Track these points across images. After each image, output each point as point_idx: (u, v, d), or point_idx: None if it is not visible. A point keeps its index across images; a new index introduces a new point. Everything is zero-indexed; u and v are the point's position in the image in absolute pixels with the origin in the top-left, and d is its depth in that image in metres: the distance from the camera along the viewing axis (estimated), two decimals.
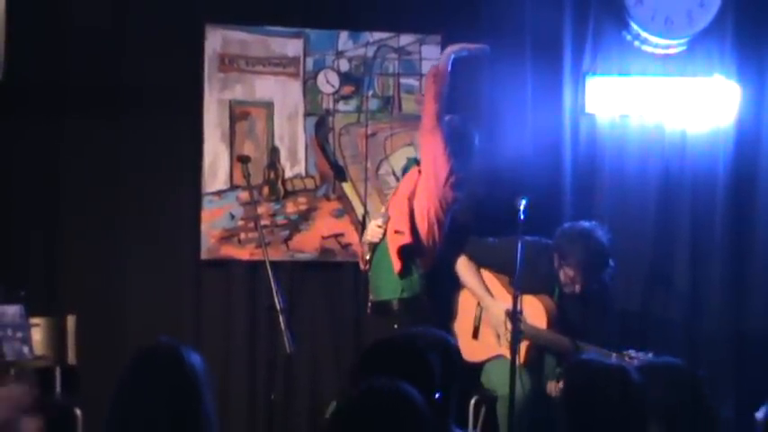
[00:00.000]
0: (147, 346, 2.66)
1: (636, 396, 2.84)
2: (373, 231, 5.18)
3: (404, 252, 5.07)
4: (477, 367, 5.25)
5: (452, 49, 5.20)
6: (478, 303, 5.28)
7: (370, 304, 5.23)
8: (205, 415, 2.57)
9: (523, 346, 5.00)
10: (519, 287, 4.72)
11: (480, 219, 5.58)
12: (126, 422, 2.54)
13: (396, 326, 4.91)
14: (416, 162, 5.28)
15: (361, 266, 5.28)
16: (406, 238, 5.07)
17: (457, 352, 3.29)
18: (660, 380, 3.00)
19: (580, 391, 2.89)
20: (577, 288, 5.10)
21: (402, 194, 5.20)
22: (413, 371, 2.78)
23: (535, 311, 5.08)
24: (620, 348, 4.95)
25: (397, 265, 5.06)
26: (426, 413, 2.30)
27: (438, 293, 5.29)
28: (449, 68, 5.11)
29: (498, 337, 5.17)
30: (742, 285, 5.93)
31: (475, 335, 5.30)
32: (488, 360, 5.22)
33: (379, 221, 5.19)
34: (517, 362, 4.71)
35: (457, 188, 5.12)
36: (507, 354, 4.86)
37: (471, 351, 5.26)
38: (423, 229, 5.09)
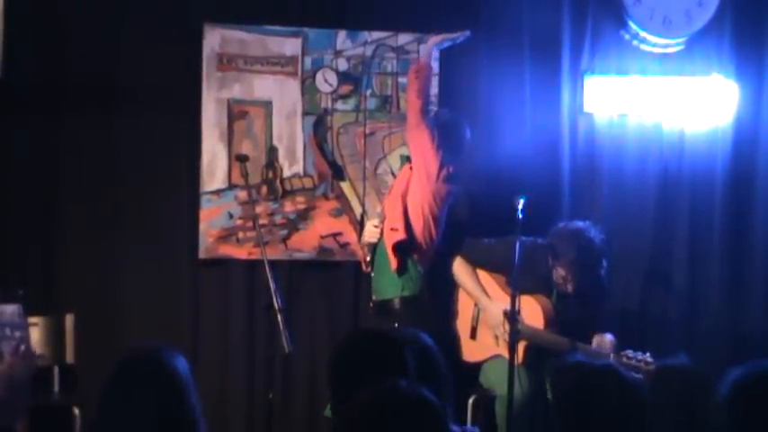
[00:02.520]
0: (130, 354, 2.65)
1: (629, 395, 2.84)
2: (370, 232, 5.18)
3: (399, 249, 5.07)
4: (476, 367, 5.25)
5: (433, 41, 5.19)
6: (475, 304, 5.28)
7: (371, 305, 5.22)
8: (190, 419, 2.56)
9: (521, 346, 4.99)
10: (516, 287, 4.72)
11: (479, 218, 5.58)
12: (112, 430, 2.54)
13: (396, 325, 4.91)
14: (408, 160, 5.26)
15: (363, 268, 5.28)
16: (401, 235, 5.06)
17: (434, 352, 3.27)
18: (672, 382, 3.00)
19: (571, 393, 2.89)
20: (570, 287, 5.12)
21: (396, 192, 5.20)
22: (387, 364, 2.78)
23: (532, 311, 5.08)
24: (618, 349, 4.95)
25: (393, 262, 5.05)
26: (446, 418, 2.29)
27: (439, 291, 5.29)
28: (431, 63, 5.11)
29: (496, 337, 5.17)
30: (740, 284, 5.93)
31: (473, 335, 5.30)
32: (486, 360, 5.22)
33: (376, 221, 5.19)
34: (515, 362, 4.71)
35: (450, 181, 5.11)
36: (505, 353, 4.86)
37: (470, 351, 5.26)
38: (418, 225, 5.08)
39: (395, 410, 2.25)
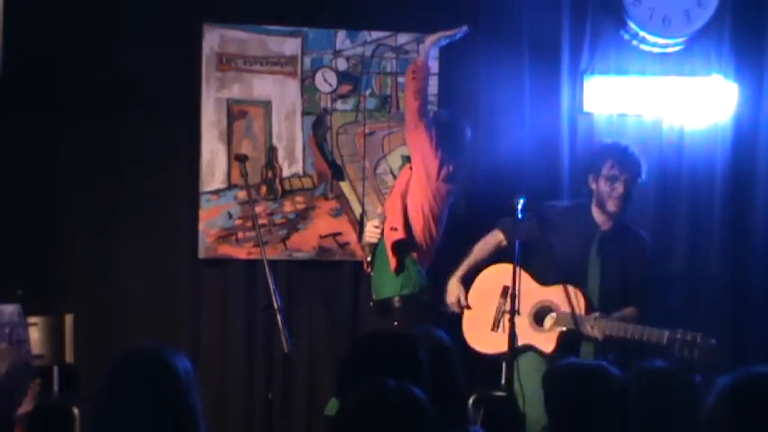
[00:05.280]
0: (127, 352, 2.66)
1: (616, 394, 2.86)
2: (371, 232, 5.18)
3: (398, 248, 5.07)
4: (496, 359, 5.01)
5: (430, 40, 5.18)
6: (502, 294, 5.06)
7: (372, 304, 5.21)
8: (189, 419, 2.56)
9: (556, 332, 4.86)
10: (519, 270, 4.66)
11: (478, 218, 5.58)
12: (109, 428, 2.54)
13: (396, 323, 4.91)
14: (408, 160, 5.26)
15: (365, 268, 5.27)
16: (400, 234, 5.06)
17: (450, 352, 3.27)
18: (653, 385, 3.02)
19: (567, 396, 2.91)
20: (615, 201, 4.97)
21: (396, 193, 5.20)
22: (402, 366, 2.79)
23: (569, 298, 4.92)
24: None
25: (392, 261, 5.06)
26: (432, 414, 2.29)
27: (439, 289, 5.28)
28: (428, 62, 5.11)
29: (537, 323, 4.98)
30: (740, 283, 5.93)
31: (495, 326, 5.06)
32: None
33: (376, 222, 5.19)
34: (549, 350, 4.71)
35: (450, 180, 5.11)
36: (538, 343, 4.81)
37: (489, 342, 5.04)
38: (418, 225, 5.08)
39: (383, 410, 2.25)
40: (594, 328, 4.83)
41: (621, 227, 5.10)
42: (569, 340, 4.93)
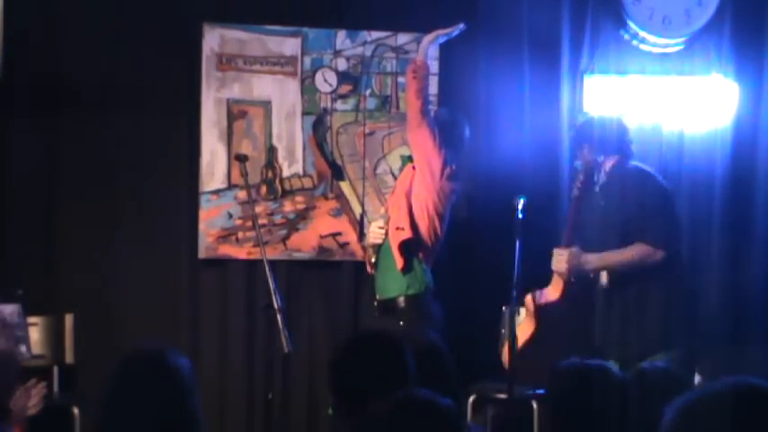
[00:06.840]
0: (132, 353, 2.67)
1: (617, 393, 2.86)
2: (375, 233, 5.17)
3: (405, 248, 5.06)
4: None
5: (428, 39, 5.19)
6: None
7: (376, 304, 5.20)
8: (191, 419, 2.57)
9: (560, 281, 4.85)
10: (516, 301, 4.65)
11: (478, 218, 5.58)
12: (114, 428, 2.55)
13: (402, 323, 4.91)
14: (410, 159, 5.26)
15: (368, 270, 5.26)
16: (407, 234, 5.06)
17: (439, 351, 3.27)
18: (653, 385, 3.02)
19: (563, 395, 2.91)
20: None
21: (399, 192, 5.19)
22: (386, 366, 2.79)
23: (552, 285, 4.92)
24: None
25: (399, 261, 5.05)
26: (459, 424, 2.28)
27: (444, 289, 5.28)
28: (427, 61, 5.11)
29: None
30: (740, 285, 5.92)
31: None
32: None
33: (380, 222, 5.17)
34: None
35: (453, 179, 5.11)
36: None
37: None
38: (423, 224, 5.07)
39: (410, 421, 2.24)
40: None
41: (615, 176, 4.98)
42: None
